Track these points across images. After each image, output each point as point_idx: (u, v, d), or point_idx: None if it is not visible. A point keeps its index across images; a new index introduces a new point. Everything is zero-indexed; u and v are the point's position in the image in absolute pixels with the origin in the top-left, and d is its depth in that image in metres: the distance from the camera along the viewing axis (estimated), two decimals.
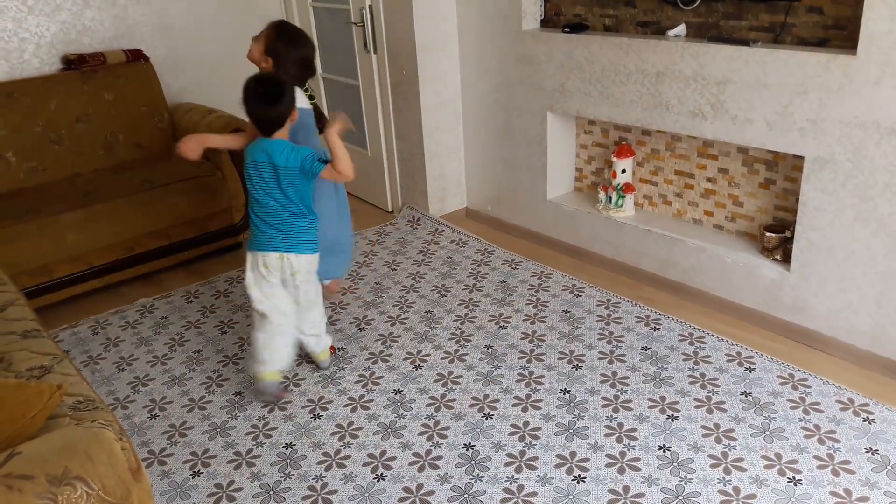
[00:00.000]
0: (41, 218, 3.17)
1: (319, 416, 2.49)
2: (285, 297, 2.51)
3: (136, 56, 3.88)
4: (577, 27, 3.23)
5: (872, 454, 2.16)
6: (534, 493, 2.10)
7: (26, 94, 3.56)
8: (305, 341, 2.67)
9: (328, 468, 2.25)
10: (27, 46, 3.69)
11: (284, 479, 2.21)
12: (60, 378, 1.82)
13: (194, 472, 2.27)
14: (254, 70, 2.62)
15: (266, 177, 2.40)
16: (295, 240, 2.46)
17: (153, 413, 2.57)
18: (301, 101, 2.65)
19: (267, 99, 2.36)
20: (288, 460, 2.29)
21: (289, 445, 2.36)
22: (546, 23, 3.48)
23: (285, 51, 2.66)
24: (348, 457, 2.29)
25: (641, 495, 2.07)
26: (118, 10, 3.91)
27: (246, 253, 2.52)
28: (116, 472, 1.42)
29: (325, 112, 2.85)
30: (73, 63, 3.72)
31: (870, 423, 2.29)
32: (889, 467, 2.11)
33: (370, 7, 3.82)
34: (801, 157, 2.63)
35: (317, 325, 2.65)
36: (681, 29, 2.91)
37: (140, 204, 3.43)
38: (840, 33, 2.50)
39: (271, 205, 2.42)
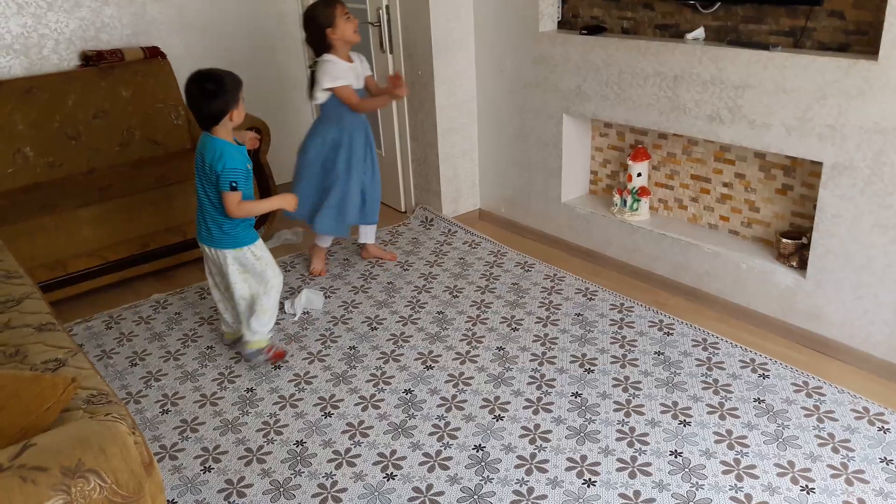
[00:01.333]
0: (57, 213, 3.19)
1: (330, 415, 2.49)
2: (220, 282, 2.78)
3: (154, 53, 3.91)
4: (595, 29, 3.22)
5: (887, 464, 2.14)
6: (544, 496, 2.09)
7: (44, 90, 3.59)
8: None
9: (338, 466, 2.25)
10: (46, 42, 3.72)
11: (295, 477, 2.22)
12: (74, 371, 1.83)
13: (205, 467, 2.28)
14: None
15: (198, 170, 2.56)
16: (216, 237, 2.61)
17: (165, 408, 2.58)
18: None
19: (203, 94, 2.45)
20: (298, 457, 2.30)
21: (300, 443, 2.36)
22: (563, 24, 3.47)
23: None
24: (358, 455, 2.29)
25: (652, 500, 2.06)
26: (136, 7, 3.93)
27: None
28: (129, 466, 1.42)
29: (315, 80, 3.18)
30: (91, 59, 3.75)
31: (885, 432, 2.26)
32: None
33: (387, 7, 3.83)
34: (820, 163, 2.61)
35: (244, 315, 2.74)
36: (699, 32, 2.89)
37: (155, 200, 3.45)
38: (861, 38, 2.48)
39: (201, 197, 2.58)
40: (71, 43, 3.78)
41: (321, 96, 3.13)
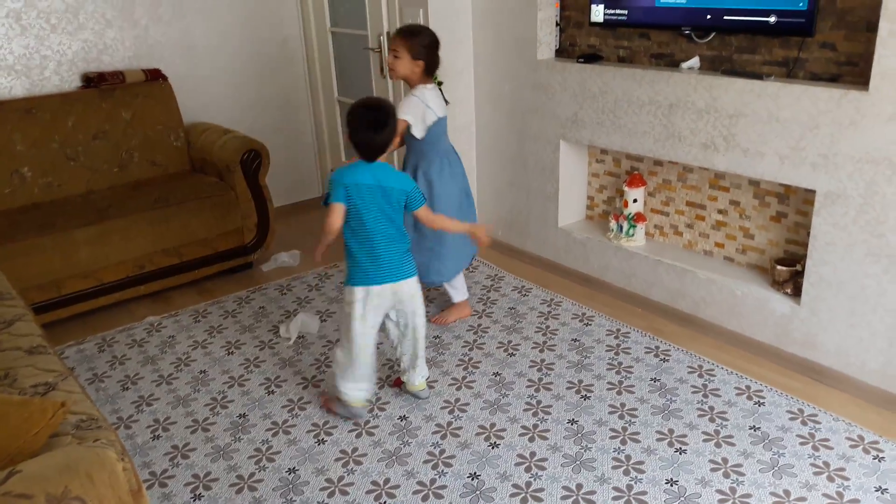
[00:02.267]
0: (54, 233, 3.20)
1: (323, 441, 2.47)
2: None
3: (155, 75, 3.93)
4: (592, 58, 3.25)
5: (882, 493, 2.12)
6: None
7: (45, 111, 3.61)
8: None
9: (331, 495, 2.23)
10: (48, 64, 3.75)
11: None
12: (64, 395, 1.82)
13: (195, 494, 2.26)
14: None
15: (379, 205, 2.37)
16: (409, 265, 2.48)
17: (156, 433, 2.56)
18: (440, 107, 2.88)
19: (376, 126, 2.33)
20: (290, 485, 2.28)
21: (292, 470, 2.34)
22: (561, 53, 3.51)
23: (430, 45, 2.83)
24: (351, 483, 2.27)
25: None
26: (139, 30, 3.97)
27: (348, 289, 2.45)
28: (117, 494, 1.41)
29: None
30: (93, 81, 3.78)
31: (880, 461, 2.25)
32: None
33: (388, 34, 3.86)
34: (813, 192, 2.62)
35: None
36: (694, 61, 2.92)
37: (153, 222, 3.45)
38: (853, 69, 2.50)
39: (386, 231, 2.39)
40: (73, 64, 3.82)
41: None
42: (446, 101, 2.96)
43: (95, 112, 3.74)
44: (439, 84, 2.95)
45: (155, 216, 3.46)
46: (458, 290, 3.19)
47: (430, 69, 2.87)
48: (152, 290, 3.54)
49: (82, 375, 2.93)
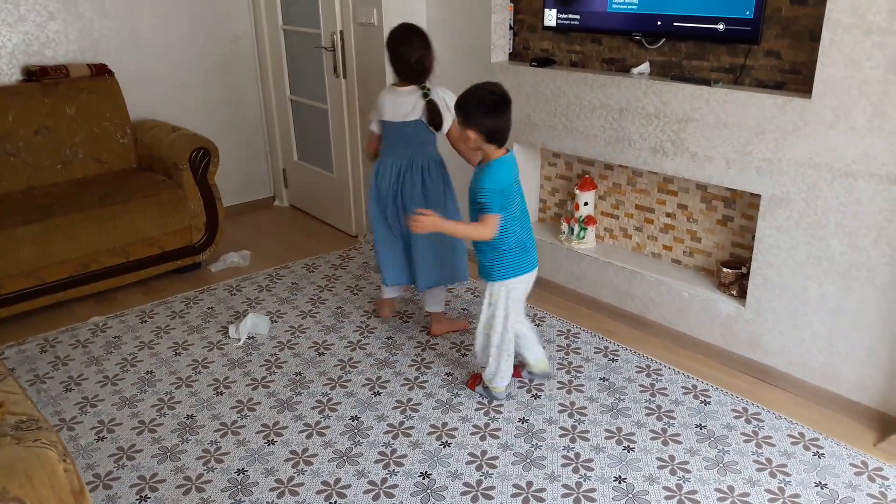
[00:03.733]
0: None
1: (273, 442, 2.44)
2: None
3: (101, 70, 3.83)
4: (545, 61, 3.29)
5: (822, 488, 2.19)
6: None
7: None
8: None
9: (280, 495, 2.20)
10: None
11: None
12: (3, 396, 1.76)
13: (141, 496, 2.20)
14: None
15: (518, 195, 2.49)
16: None
17: (101, 435, 2.49)
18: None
19: (505, 108, 2.39)
20: (239, 486, 2.24)
21: (241, 471, 2.30)
22: (514, 56, 3.54)
23: (388, 44, 2.78)
24: (302, 484, 2.24)
25: None
26: (84, 23, 3.86)
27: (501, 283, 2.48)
28: (57, 495, 1.37)
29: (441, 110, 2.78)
30: (35, 75, 3.66)
31: (819, 457, 2.32)
32: (837, 501, 2.14)
33: (341, 33, 3.84)
34: (758, 196, 2.70)
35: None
36: (645, 67, 2.98)
37: (98, 219, 3.36)
38: (796, 77, 2.59)
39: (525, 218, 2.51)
40: (13, 57, 3.69)
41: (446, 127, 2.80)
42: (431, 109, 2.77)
43: (37, 107, 3.62)
44: (426, 95, 2.76)
45: (100, 214, 3.37)
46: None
47: (395, 69, 2.79)
48: (97, 290, 3.44)
49: (23, 377, 2.83)
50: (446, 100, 2.75)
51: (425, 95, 2.74)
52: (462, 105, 2.37)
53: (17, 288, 3.17)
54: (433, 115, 2.75)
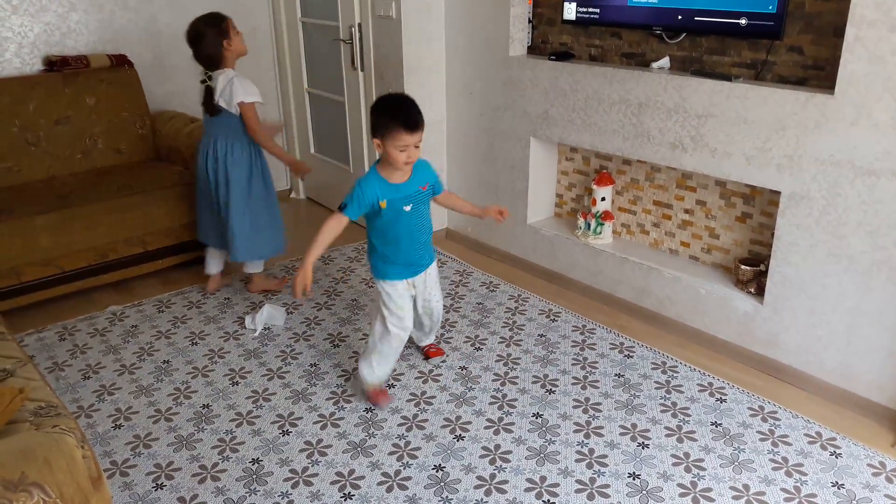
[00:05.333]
0: (14, 219, 3.12)
1: (288, 433, 2.45)
2: None
3: (121, 61, 3.86)
4: (563, 55, 3.27)
5: (839, 488, 2.17)
6: None
7: (5, 94, 3.51)
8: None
9: (295, 485, 2.21)
10: (9, 46, 3.65)
11: (250, 495, 2.17)
12: (23, 382, 1.78)
13: (157, 484, 2.22)
14: None
15: (422, 199, 2.51)
16: (432, 248, 2.66)
17: (118, 423, 2.51)
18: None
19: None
20: (254, 476, 2.25)
21: (256, 461, 2.32)
22: (533, 50, 3.52)
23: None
24: (316, 474, 2.25)
25: None
26: (105, 14, 3.89)
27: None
28: (76, 480, 1.38)
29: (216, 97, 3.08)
30: (55, 65, 3.69)
31: (837, 457, 2.30)
32: (854, 502, 2.12)
33: (359, 25, 3.84)
34: (778, 193, 2.67)
35: None
36: (664, 62, 2.96)
37: (116, 210, 3.38)
38: (819, 73, 2.56)
39: (425, 221, 2.54)
40: (35, 47, 3.72)
41: (235, 109, 3.05)
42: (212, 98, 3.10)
43: (58, 97, 3.65)
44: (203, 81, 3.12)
45: (118, 204, 3.39)
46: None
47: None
48: (115, 280, 3.47)
49: (42, 364, 2.86)
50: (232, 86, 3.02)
51: (202, 81, 3.10)
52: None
53: (36, 276, 3.20)
54: (206, 99, 3.10)
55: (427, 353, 2.88)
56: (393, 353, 2.55)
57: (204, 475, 2.26)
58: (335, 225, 2.41)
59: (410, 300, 2.57)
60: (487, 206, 2.74)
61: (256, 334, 3.07)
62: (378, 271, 2.52)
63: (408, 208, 2.42)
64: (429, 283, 2.61)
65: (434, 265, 2.63)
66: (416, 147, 2.31)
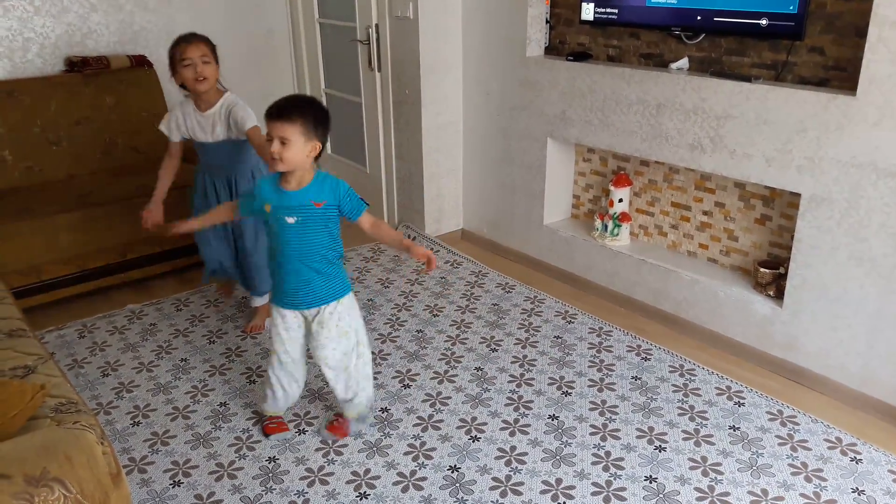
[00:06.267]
0: (35, 218, 3.15)
1: (304, 432, 2.46)
2: None
3: (140, 62, 3.89)
4: (581, 56, 3.26)
5: (859, 494, 2.15)
6: None
7: (27, 94, 3.56)
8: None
9: (311, 484, 2.22)
10: (31, 46, 3.69)
11: (266, 493, 2.18)
12: (44, 379, 1.80)
13: (175, 481, 2.24)
14: None
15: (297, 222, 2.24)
16: (320, 291, 2.28)
17: (136, 420, 2.53)
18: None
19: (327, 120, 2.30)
20: (270, 474, 2.26)
21: (272, 459, 2.32)
22: (550, 50, 3.51)
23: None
24: (332, 473, 2.26)
25: None
26: (124, 15, 3.93)
27: None
28: (96, 476, 1.39)
29: None
30: (76, 65, 3.73)
31: (857, 462, 2.28)
32: None
33: (376, 26, 3.85)
34: (798, 195, 2.64)
35: None
36: (683, 62, 2.94)
37: (135, 209, 3.38)
38: (840, 74, 2.53)
39: (296, 249, 2.24)
40: (56, 48, 3.76)
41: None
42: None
43: (78, 97, 3.69)
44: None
45: (138, 203, 3.39)
46: None
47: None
48: (134, 278, 3.50)
49: (62, 361, 2.89)
50: None
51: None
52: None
53: (56, 274, 3.24)
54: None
55: (327, 426, 2.45)
56: (273, 380, 2.35)
57: (221, 473, 2.27)
58: (224, 210, 2.46)
59: (299, 339, 2.30)
60: (419, 246, 2.23)
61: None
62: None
63: (291, 220, 2.13)
64: (321, 331, 2.23)
65: (328, 312, 2.22)
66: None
